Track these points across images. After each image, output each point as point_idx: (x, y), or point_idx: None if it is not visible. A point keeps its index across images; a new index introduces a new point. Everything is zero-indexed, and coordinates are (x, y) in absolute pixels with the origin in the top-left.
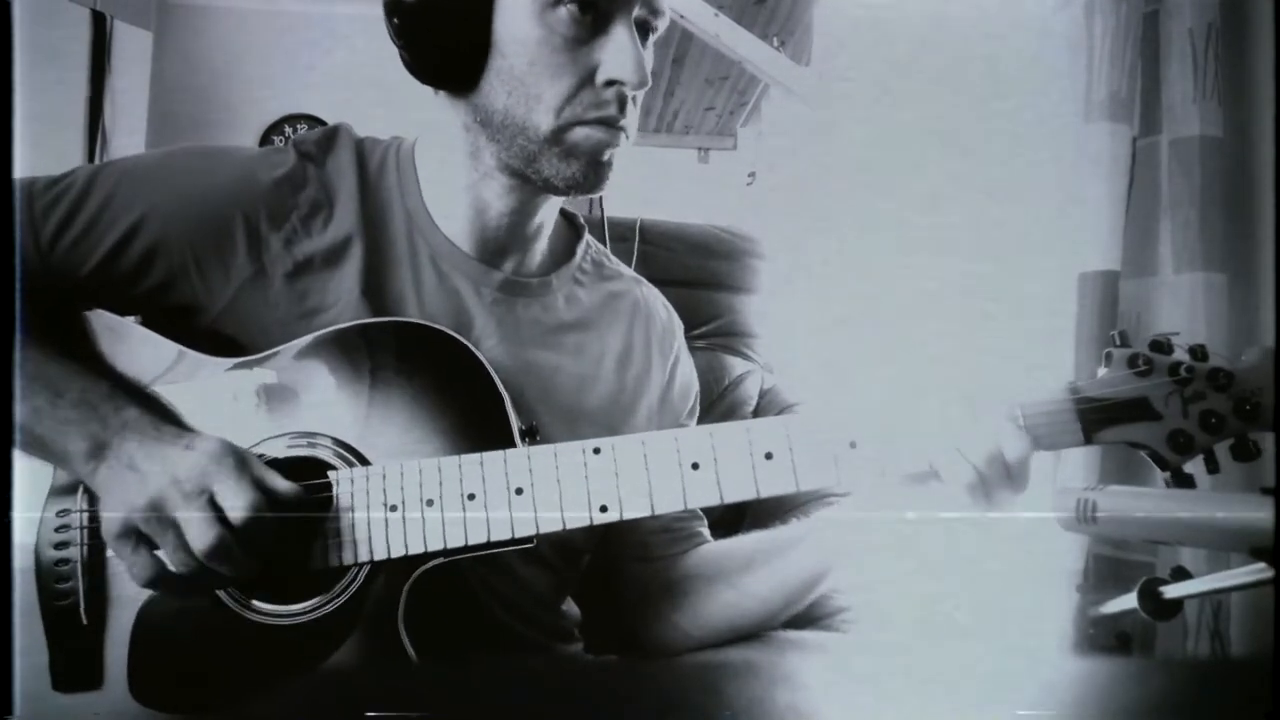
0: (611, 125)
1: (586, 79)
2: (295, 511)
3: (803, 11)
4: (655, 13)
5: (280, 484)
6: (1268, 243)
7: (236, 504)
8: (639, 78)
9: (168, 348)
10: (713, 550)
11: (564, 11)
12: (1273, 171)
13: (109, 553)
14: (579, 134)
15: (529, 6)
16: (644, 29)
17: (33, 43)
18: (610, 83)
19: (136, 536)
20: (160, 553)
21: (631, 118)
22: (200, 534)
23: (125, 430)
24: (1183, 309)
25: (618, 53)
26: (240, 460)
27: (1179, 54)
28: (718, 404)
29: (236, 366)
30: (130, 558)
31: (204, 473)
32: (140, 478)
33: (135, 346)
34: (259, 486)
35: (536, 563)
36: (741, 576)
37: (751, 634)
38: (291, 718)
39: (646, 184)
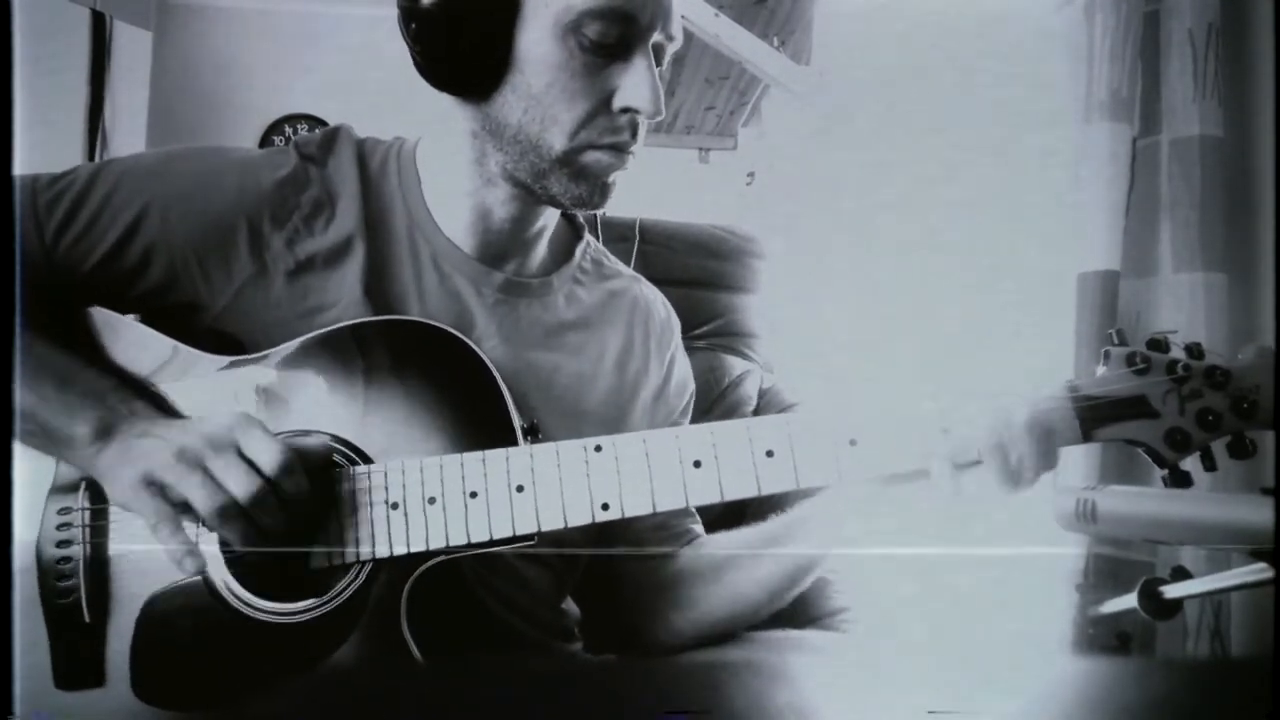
0: (622, 150)
1: (603, 104)
2: (318, 469)
3: (803, 11)
4: (671, 39)
5: (302, 441)
6: (1268, 243)
7: (268, 454)
8: (655, 108)
9: (162, 343)
10: (704, 546)
11: (586, 35)
12: (1273, 171)
13: (111, 551)
14: (590, 157)
15: (551, 27)
16: (659, 51)
17: (33, 42)
18: (625, 110)
19: (158, 487)
20: (185, 500)
21: (640, 141)
22: (241, 482)
23: (134, 417)
24: (1182, 309)
25: (636, 81)
26: (261, 423)
27: (1179, 54)
28: (718, 404)
29: (232, 365)
30: (148, 504)
31: (231, 429)
32: (161, 441)
33: (131, 342)
34: (283, 442)
35: (536, 562)
36: (730, 571)
37: (746, 627)
38: (293, 716)
39: (646, 184)
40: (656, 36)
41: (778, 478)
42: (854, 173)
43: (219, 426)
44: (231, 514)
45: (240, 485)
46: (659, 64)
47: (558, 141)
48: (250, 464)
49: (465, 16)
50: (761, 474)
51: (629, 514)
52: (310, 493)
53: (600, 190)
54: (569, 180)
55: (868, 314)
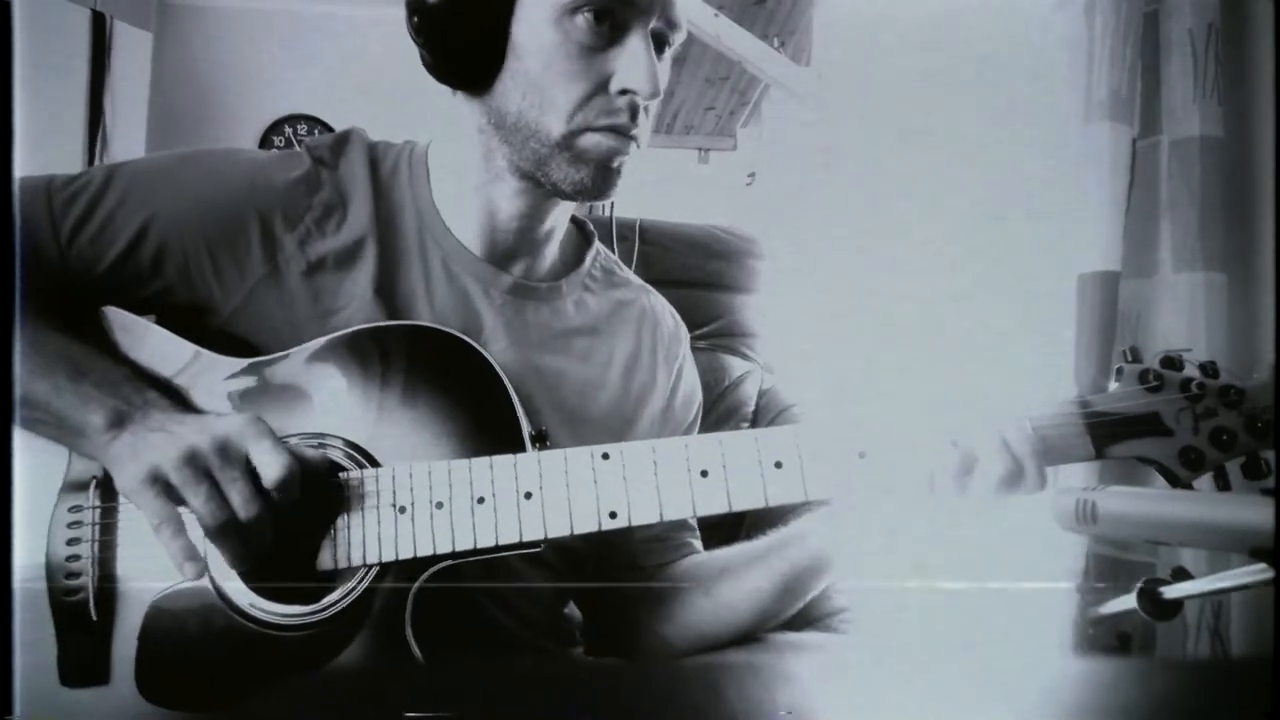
0: (622, 133)
1: (600, 87)
2: (324, 480)
3: (803, 11)
4: (672, 25)
5: (309, 452)
6: (1268, 243)
7: (274, 467)
8: (651, 88)
9: (183, 347)
10: (697, 561)
11: (581, 19)
12: (1273, 171)
13: (120, 550)
14: (589, 140)
15: (547, 12)
16: (660, 41)
17: (33, 43)
18: (623, 91)
19: (164, 485)
20: (188, 505)
21: (644, 127)
22: (245, 501)
23: (148, 407)
24: (1183, 309)
25: (632, 62)
26: (271, 430)
27: (1179, 54)
28: (717, 404)
29: (249, 367)
30: (152, 503)
31: (242, 435)
32: (171, 436)
33: (151, 345)
34: (292, 452)
35: (540, 566)
36: (721, 586)
37: (737, 641)
38: (298, 717)
39: (646, 184)
40: (655, 23)
41: (786, 489)
42: (853, 172)
43: (230, 431)
44: (230, 531)
45: (244, 504)
46: (660, 53)
47: (556, 125)
48: (255, 479)
49: (462, 6)
50: (769, 485)
51: (636, 522)
52: (303, 509)
53: (603, 177)
54: (569, 165)
55: (868, 313)
